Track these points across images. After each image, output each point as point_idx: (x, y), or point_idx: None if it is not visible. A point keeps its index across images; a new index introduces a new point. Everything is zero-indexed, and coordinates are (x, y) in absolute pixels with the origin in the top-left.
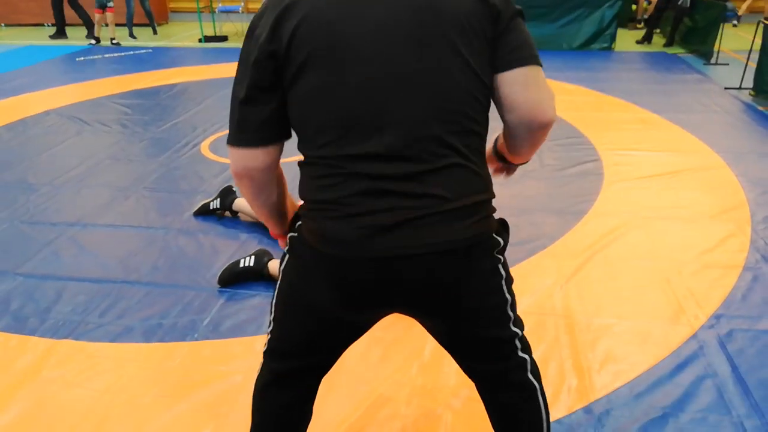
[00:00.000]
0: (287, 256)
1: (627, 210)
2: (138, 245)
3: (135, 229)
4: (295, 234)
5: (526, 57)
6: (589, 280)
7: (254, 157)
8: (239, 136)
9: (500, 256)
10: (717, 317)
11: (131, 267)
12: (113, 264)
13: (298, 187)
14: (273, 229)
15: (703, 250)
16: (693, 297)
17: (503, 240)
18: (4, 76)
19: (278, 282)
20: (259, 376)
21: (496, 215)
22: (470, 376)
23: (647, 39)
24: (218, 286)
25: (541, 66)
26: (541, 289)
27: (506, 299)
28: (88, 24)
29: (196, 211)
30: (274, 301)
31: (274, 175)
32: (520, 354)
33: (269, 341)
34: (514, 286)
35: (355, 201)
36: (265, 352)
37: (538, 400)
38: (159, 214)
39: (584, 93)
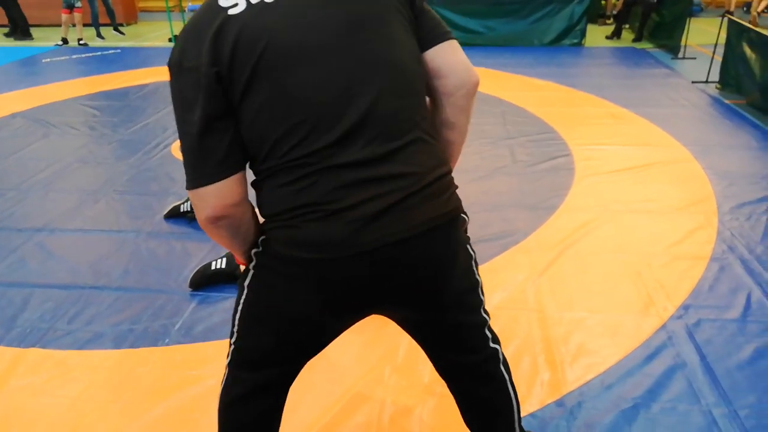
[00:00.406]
0: (252, 271)
1: (598, 204)
2: (108, 249)
3: (104, 233)
4: (260, 249)
5: (447, 32)
6: (561, 274)
7: (230, 189)
8: (211, 171)
9: (468, 235)
10: (685, 308)
11: (101, 272)
12: (82, 269)
13: (256, 205)
14: (243, 257)
15: (672, 243)
16: (662, 289)
17: (468, 218)
18: None
19: (242, 296)
20: (225, 389)
21: (469, 212)
22: (444, 371)
23: (616, 34)
24: (190, 289)
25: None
26: (514, 284)
27: (478, 280)
28: (14, 22)
29: (167, 213)
30: (238, 315)
31: (249, 207)
32: (492, 345)
33: (235, 352)
34: (487, 281)
35: (337, 196)
36: (230, 365)
37: (509, 391)
38: (129, 217)
39: (555, 88)
